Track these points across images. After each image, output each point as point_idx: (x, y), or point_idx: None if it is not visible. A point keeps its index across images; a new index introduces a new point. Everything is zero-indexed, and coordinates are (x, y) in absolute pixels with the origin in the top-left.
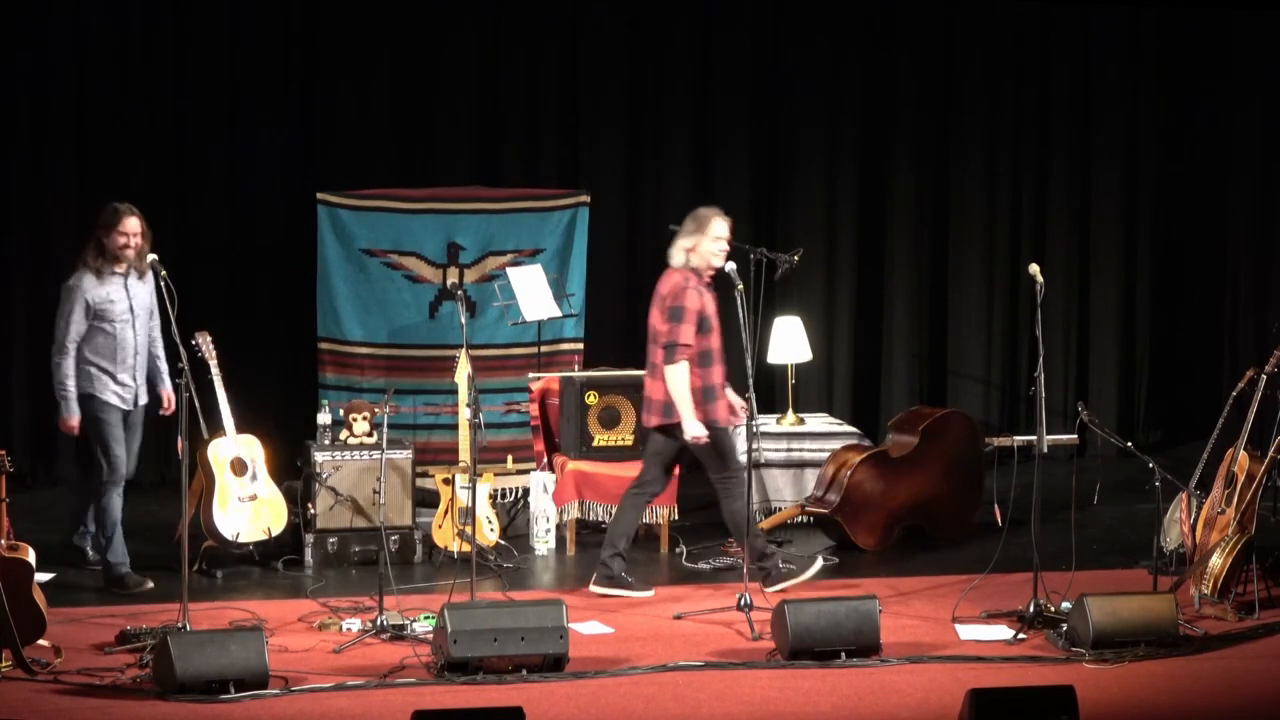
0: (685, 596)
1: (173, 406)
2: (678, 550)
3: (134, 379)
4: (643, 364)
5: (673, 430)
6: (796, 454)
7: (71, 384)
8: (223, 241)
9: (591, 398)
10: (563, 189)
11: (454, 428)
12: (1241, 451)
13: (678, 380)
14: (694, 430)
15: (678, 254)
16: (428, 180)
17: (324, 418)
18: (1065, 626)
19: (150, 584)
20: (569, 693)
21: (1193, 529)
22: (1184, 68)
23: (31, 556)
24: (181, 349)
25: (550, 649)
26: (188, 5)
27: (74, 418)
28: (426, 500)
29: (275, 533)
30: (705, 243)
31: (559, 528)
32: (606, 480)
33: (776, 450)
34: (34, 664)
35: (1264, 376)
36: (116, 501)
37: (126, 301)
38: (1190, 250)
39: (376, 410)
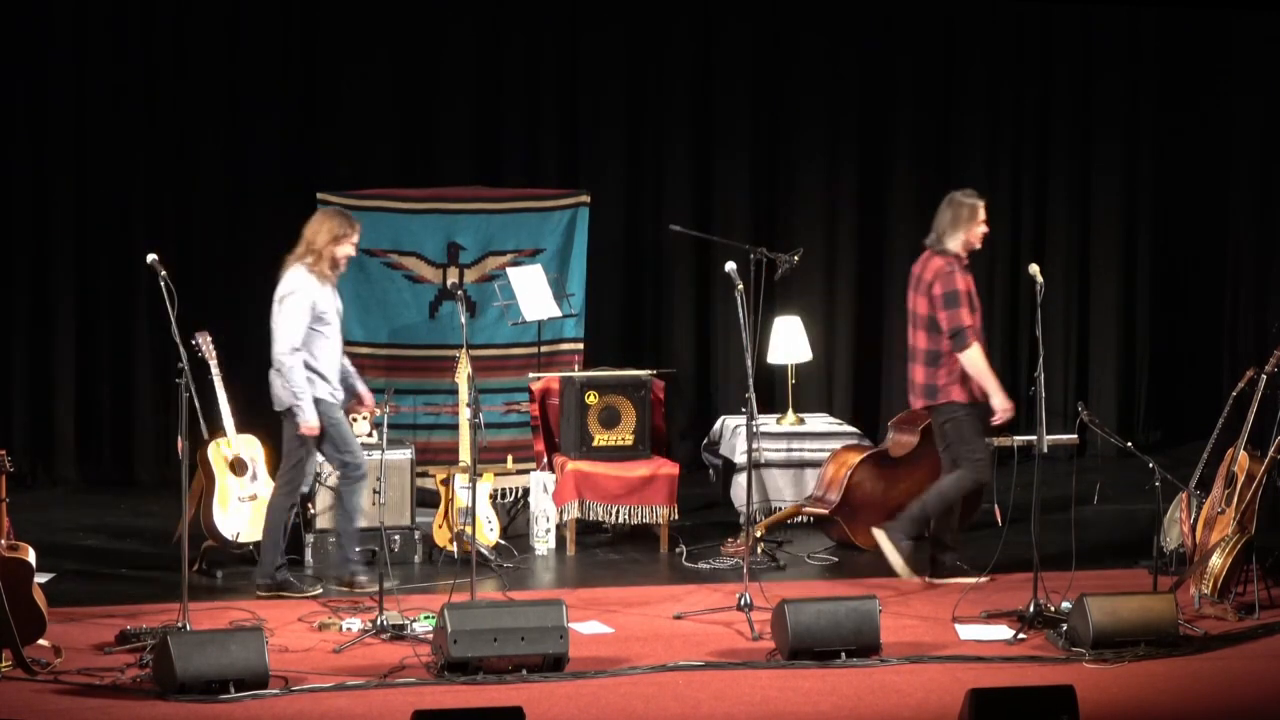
0: (685, 596)
1: (373, 407)
2: (678, 550)
3: (340, 384)
4: (640, 363)
5: (939, 410)
6: (796, 454)
7: (308, 387)
8: (223, 241)
9: (591, 398)
10: (563, 189)
11: (454, 428)
12: (1241, 452)
13: (975, 362)
14: (1002, 404)
15: (951, 241)
16: (428, 180)
17: None
18: (1065, 626)
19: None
20: (569, 693)
21: (1193, 529)
22: (1184, 68)
23: (31, 556)
24: (181, 349)
25: (550, 649)
26: (188, 5)
27: (315, 420)
28: (426, 500)
29: None
30: (976, 229)
31: (559, 528)
32: (606, 480)
33: (776, 450)
34: (34, 664)
35: (1264, 376)
36: (365, 493)
37: (336, 306)
38: (1190, 250)
39: (377, 410)
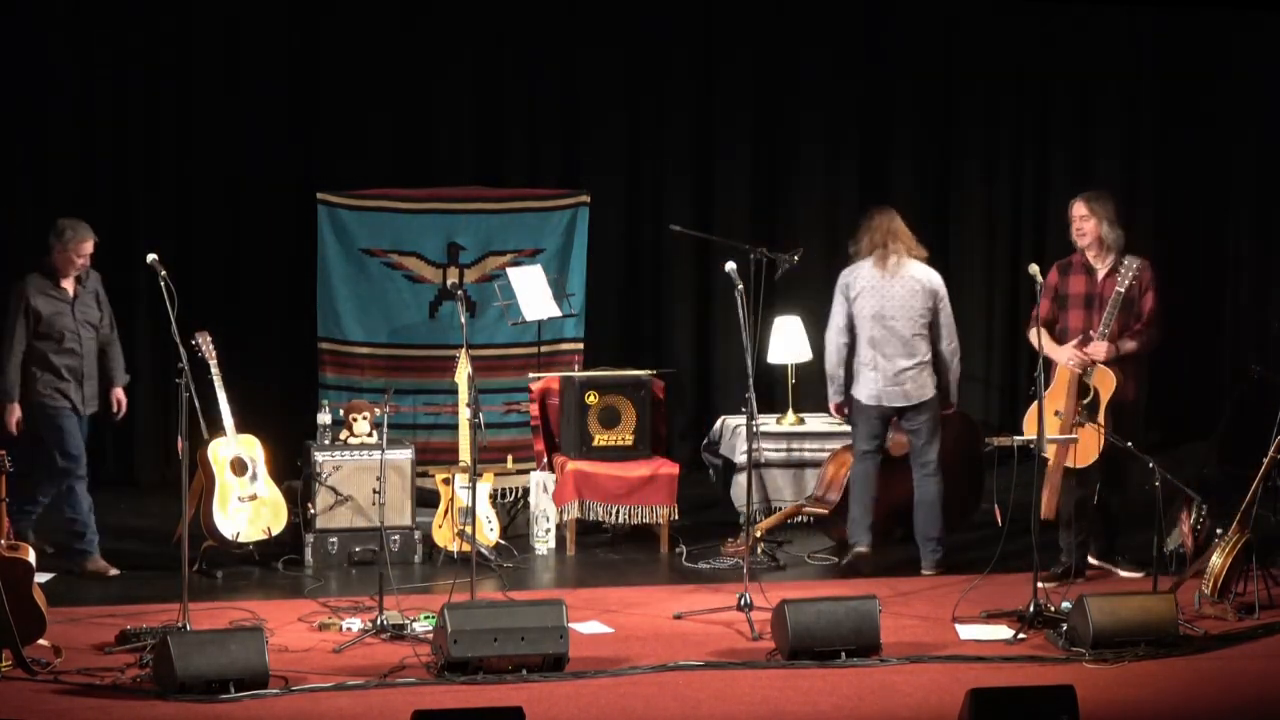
0: (685, 596)
1: None
2: (678, 550)
3: None
4: (640, 363)
5: None
6: (796, 454)
7: None
8: (223, 241)
9: (591, 398)
10: (563, 189)
11: (454, 428)
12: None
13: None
14: None
15: None
16: (428, 180)
17: (324, 418)
18: (1065, 626)
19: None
20: (569, 693)
21: (1193, 529)
22: (1184, 70)
23: (31, 556)
24: (181, 349)
25: (550, 649)
26: (189, 4)
27: None
28: (426, 500)
29: (275, 533)
30: (1073, 226)
31: (559, 528)
32: (606, 480)
33: (776, 450)
34: (34, 664)
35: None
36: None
37: None
38: (1190, 251)
39: (376, 410)
